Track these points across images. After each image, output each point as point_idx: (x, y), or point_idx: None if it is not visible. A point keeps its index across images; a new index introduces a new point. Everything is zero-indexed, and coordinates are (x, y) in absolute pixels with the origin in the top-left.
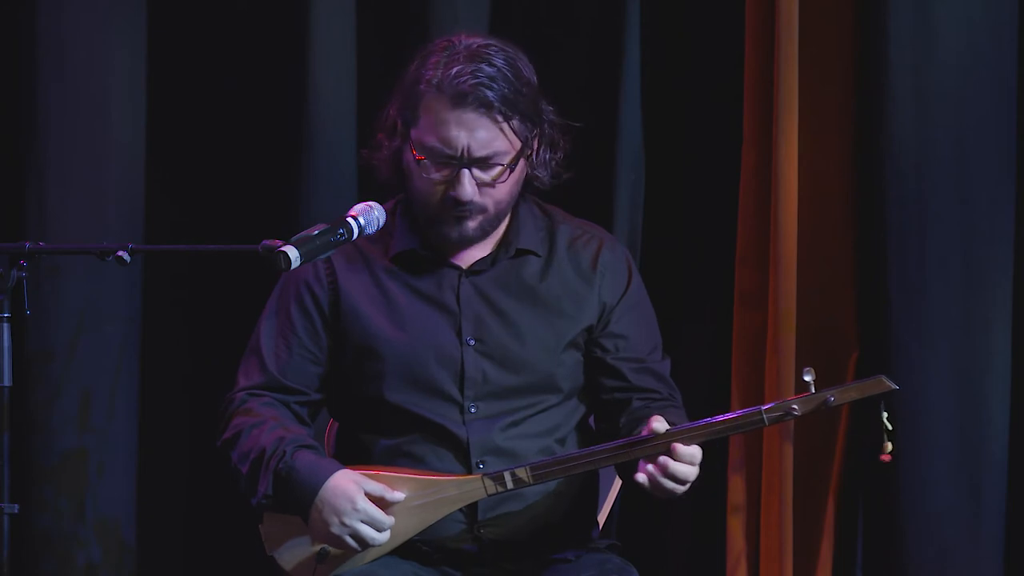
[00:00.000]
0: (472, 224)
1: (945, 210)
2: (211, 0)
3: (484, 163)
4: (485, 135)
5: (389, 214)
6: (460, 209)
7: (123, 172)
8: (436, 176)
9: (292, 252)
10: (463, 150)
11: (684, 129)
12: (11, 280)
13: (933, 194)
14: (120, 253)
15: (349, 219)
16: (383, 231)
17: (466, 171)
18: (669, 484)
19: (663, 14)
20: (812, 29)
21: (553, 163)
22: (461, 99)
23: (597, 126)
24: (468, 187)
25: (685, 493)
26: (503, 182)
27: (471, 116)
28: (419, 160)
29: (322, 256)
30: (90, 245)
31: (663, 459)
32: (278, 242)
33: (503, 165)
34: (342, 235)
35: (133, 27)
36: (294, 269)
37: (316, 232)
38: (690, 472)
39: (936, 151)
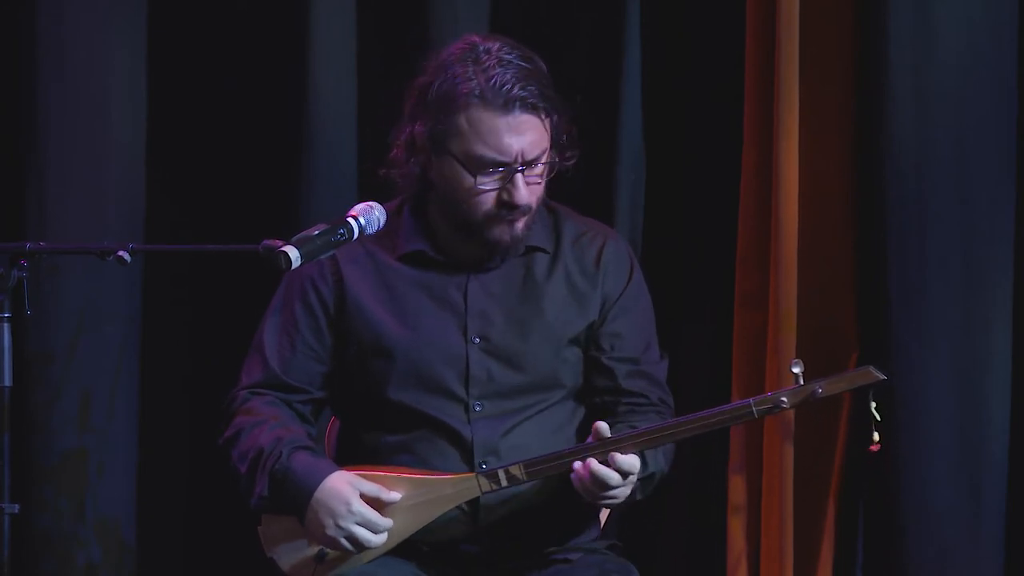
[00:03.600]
0: (520, 224)
1: (945, 210)
2: (211, 0)
3: (533, 164)
4: (534, 136)
5: (394, 213)
6: (513, 212)
7: (123, 172)
8: (491, 185)
9: (292, 252)
10: (518, 155)
11: (684, 129)
12: (11, 280)
13: (933, 194)
14: (120, 253)
15: (349, 219)
16: (389, 230)
17: (520, 175)
18: (592, 487)
19: (663, 14)
20: (812, 29)
21: (569, 145)
22: (510, 106)
23: (597, 126)
24: (524, 191)
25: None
26: (545, 177)
27: (521, 120)
28: (471, 173)
29: (322, 256)
30: (90, 245)
31: (590, 461)
32: (278, 242)
33: (544, 162)
34: (342, 235)
35: (133, 27)
36: (298, 267)
37: (316, 232)
38: (612, 477)
39: (936, 151)
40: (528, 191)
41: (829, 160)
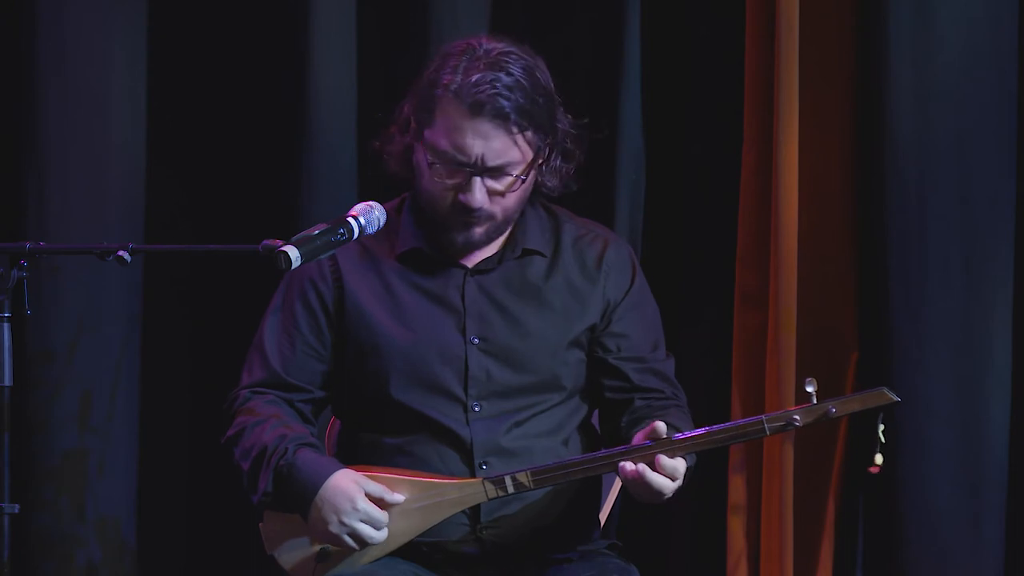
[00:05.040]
0: (479, 230)
1: (945, 210)
2: (211, 0)
3: (496, 172)
4: (499, 145)
5: (394, 212)
6: (469, 215)
7: (123, 172)
8: (448, 181)
9: (292, 252)
10: (477, 158)
11: (684, 129)
12: (11, 280)
13: (933, 194)
14: (120, 253)
15: (349, 219)
16: (389, 229)
17: (478, 179)
18: (644, 493)
19: (663, 14)
20: (812, 29)
21: (564, 172)
22: (478, 108)
23: (597, 126)
24: (479, 195)
25: (678, 494)
26: (514, 191)
27: (487, 126)
28: (431, 163)
29: (323, 255)
30: (90, 245)
31: (642, 467)
32: (278, 242)
33: (514, 176)
34: (342, 235)
35: (133, 27)
36: (299, 266)
37: (316, 232)
38: (667, 485)
39: (936, 151)
40: (484, 196)
41: (829, 160)
